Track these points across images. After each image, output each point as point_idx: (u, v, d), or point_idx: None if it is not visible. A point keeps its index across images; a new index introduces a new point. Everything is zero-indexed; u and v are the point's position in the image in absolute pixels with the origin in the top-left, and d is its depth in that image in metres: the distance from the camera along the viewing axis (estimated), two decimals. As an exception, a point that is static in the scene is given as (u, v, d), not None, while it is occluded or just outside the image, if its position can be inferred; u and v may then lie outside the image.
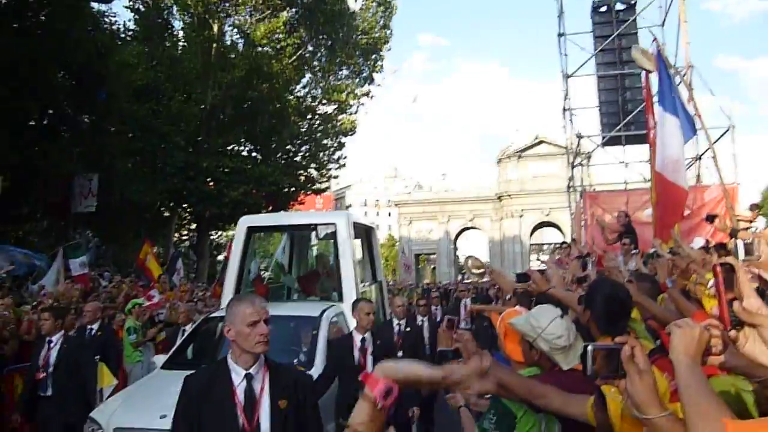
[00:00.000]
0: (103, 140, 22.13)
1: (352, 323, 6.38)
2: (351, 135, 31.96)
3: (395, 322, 8.22)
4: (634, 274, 4.75)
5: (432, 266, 67.56)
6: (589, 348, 1.68)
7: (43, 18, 18.36)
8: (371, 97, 32.50)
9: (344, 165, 32.75)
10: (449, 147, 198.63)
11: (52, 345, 6.58)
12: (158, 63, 25.98)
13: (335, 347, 6.30)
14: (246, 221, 8.99)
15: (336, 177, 35.92)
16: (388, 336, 7.47)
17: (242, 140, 28.93)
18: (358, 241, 10.26)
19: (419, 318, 9.91)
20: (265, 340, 2.96)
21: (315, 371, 5.77)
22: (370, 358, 5.83)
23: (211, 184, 26.36)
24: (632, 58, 10.28)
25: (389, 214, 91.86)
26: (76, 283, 12.70)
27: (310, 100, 31.26)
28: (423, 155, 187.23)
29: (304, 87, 31.37)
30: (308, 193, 32.20)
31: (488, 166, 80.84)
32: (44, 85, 18.21)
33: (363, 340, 5.91)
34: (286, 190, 28.82)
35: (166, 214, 29.48)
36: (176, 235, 32.33)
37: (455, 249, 62.64)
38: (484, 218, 60.48)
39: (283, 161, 29.50)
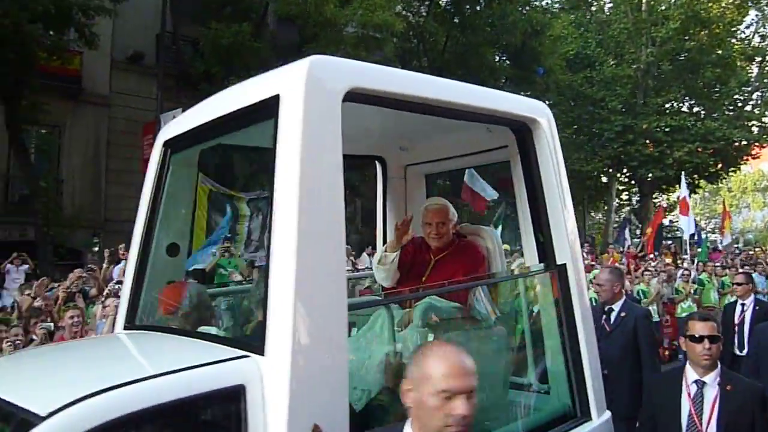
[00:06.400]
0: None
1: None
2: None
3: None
4: None
5: None
6: None
7: (478, 8, 19.73)
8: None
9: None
10: None
11: None
12: (587, 30, 26.09)
13: None
14: (163, 134, 3.45)
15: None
16: None
17: (682, 96, 27.04)
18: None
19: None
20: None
21: None
22: None
23: (652, 145, 25.31)
24: None
25: None
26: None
27: (758, 40, 27.77)
28: None
29: (748, 27, 28.09)
30: (764, 145, 28.53)
31: None
32: (487, 68, 19.61)
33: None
34: (737, 144, 26.08)
35: (605, 180, 29.37)
36: (617, 200, 31.85)
37: None
38: None
39: (731, 113, 26.72)
